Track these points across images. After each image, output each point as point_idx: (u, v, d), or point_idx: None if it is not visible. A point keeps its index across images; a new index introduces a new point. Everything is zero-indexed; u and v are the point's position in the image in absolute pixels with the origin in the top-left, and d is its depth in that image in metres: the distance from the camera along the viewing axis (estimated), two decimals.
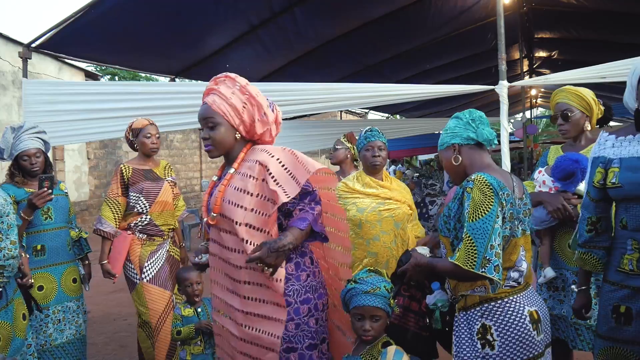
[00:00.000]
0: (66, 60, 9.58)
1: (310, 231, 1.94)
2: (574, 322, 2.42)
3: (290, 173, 1.90)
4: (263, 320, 1.88)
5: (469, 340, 1.70)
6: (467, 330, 1.72)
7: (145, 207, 3.19)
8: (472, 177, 1.70)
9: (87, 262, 3.27)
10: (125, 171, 3.20)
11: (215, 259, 2.01)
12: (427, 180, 7.13)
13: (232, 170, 1.97)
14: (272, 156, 1.92)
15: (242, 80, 1.97)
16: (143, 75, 15.36)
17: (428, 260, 1.86)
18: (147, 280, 3.15)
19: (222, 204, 1.92)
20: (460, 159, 1.85)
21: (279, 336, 1.86)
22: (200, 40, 5.53)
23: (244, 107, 1.94)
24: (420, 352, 2.13)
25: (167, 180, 3.32)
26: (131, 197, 3.18)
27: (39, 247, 2.93)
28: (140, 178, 3.21)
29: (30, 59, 4.21)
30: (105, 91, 4.42)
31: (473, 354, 1.68)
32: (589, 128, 2.56)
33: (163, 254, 3.25)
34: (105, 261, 3.14)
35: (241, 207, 1.88)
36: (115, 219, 3.16)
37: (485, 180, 1.66)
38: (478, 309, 1.70)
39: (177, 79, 6.20)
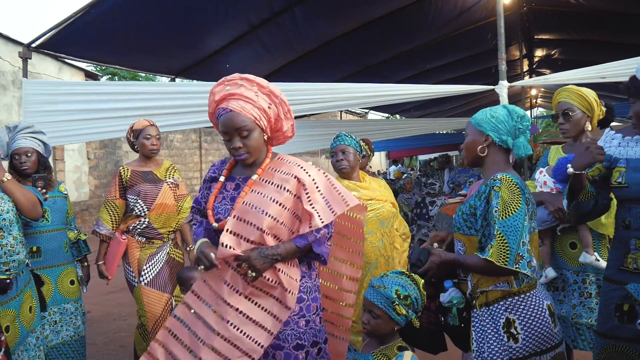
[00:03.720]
0: (66, 60, 9.58)
1: (310, 250, 1.92)
2: (574, 322, 2.43)
3: (325, 199, 1.89)
4: (255, 327, 1.83)
5: (495, 334, 1.73)
6: (492, 324, 1.74)
7: (144, 210, 3.16)
8: (498, 177, 1.74)
9: (85, 263, 3.25)
10: (124, 173, 3.19)
11: (225, 266, 1.89)
12: (427, 179, 7.12)
13: (255, 177, 1.92)
14: (309, 175, 1.91)
15: (260, 80, 1.92)
16: (143, 75, 15.36)
17: (455, 257, 1.87)
18: (145, 284, 3.12)
19: (247, 210, 1.85)
20: (486, 152, 1.83)
21: (263, 346, 1.82)
22: (200, 40, 5.53)
23: (269, 107, 1.89)
24: (431, 347, 2.15)
25: (166, 182, 3.26)
26: (129, 199, 3.16)
27: (34, 248, 2.90)
28: (138, 180, 3.17)
29: (30, 59, 4.21)
30: (105, 91, 4.41)
31: (499, 347, 1.71)
32: (589, 128, 2.56)
33: (163, 257, 3.21)
34: (101, 262, 3.18)
35: (272, 217, 1.84)
36: (112, 221, 3.16)
37: (512, 179, 1.72)
38: (502, 303, 1.74)
39: (177, 79, 6.20)
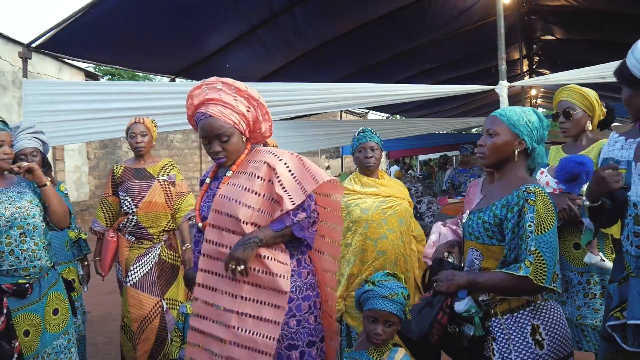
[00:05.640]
0: (66, 60, 9.58)
1: (292, 235, 1.91)
2: (579, 324, 2.42)
3: (297, 180, 1.90)
4: (260, 323, 1.85)
5: (523, 342, 1.67)
6: (519, 332, 1.68)
7: (131, 207, 3.14)
8: (532, 189, 1.67)
9: (86, 263, 3.26)
10: (117, 170, 3.23)
11: (210, 260, 1.92)
12: (411, 184, 7.32)
13: (229, 173, 1.97)
14: (280, 159, 1.92)
15: (239, 84, 1.93)
16: (142, 75, 15.35)
17: (472, 279, 1.73)
18: (130, 285, 3.09)
19: (223, 201, 1.89)
20: (517, 158, 1.78)
21: (274, 338, 1.83)
22: (200, 40, 5.53)
23: (248, 111, 1.92)
24: (424, 357, 2.03)
25: (158, 180, 3.21)
26: (120, 196, 3.18)
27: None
28: (129, 177, 3.18)
29: (30, 59, 4.21)
30: (105, 91, 4.41)
31: (528, 355, 1.65)
32: (590, 128, 2.56)
33: (152, 258, 3.16)
34: (98, 258, 3.24)
35: (247, 206, 1.86)
36: (106, 218, 3.22)
37: (543, 192, 1.67)
38: (528, 310, 1.69)
39: (177, 79, 6.20)
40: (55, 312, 2.46)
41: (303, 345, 1.92)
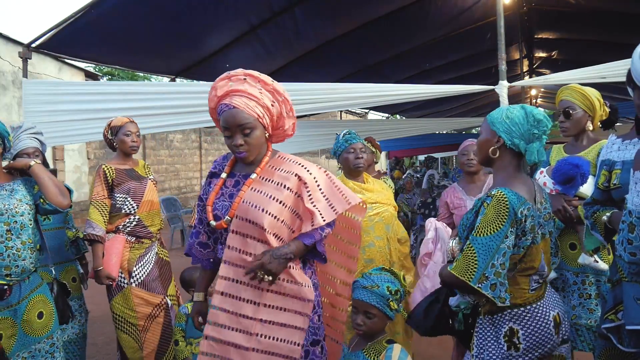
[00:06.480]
0: (66, 60, 9.59)
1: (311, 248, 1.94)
2: (574, 323, 2.43)
3: (326, 197, 1.91)
4: (283, 329, 1.84)
5: (495, 342, 1.69)
6: (493, 332, 1.71)
7: (133, 207, 3.08)
8: (493, 193, 1.65)
9: (84, 261, 3.26)
10: (109, 172, 3.07)
11: (232, 267, 1.87)
12: (440, 179, 7.12)
13: (254, 176, 1.91)
14: (310, 173, 1.91)
15: (265, 77, 1.89)
16: (142, 75, 15.37)
17: (440, 272, 1.82)
18: (135, 285, 3.04)
19: (247, 208, 1.84)
20: (498, 154, 1.75)
21: (299, 343, 1.84)
22: (200, 40, 5.53)
23: (272, 105, 1.87)
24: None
25: (149, 179, 3.22)
26: (117, 198, 3.05)
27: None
28: (125, 178, 3.09)
29: (30, 59, 4.22)
30: (105, 91, 4.42)
31: (497, 354, 1.68)
32: (590, 128, 2.55)
33: (152, 257, 3.15)
34: (102, 267, 2.96)
35: (273, 215, 1.83)
36: (105, 221, 3.04)
37: (505, 197, 1.62)
38: (506, 312, 1.69)
39: (177, 79, 6.20)
40: (40, 315, 2.40)
41: (308, 344, 1.92)
